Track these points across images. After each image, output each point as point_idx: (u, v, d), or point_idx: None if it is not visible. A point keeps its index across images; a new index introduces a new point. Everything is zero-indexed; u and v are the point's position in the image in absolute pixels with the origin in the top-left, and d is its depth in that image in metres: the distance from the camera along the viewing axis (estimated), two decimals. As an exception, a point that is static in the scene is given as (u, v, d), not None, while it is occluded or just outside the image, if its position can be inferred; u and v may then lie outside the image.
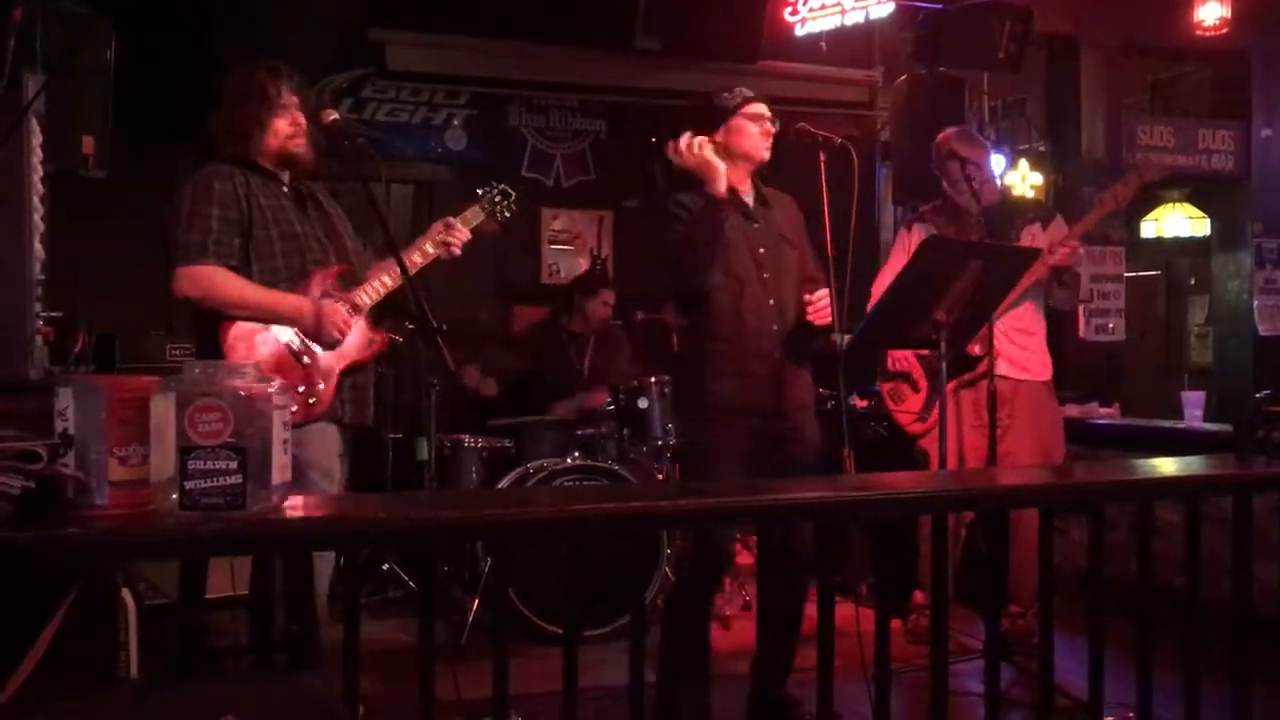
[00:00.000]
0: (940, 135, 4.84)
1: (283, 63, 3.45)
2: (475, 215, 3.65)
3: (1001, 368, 4.53)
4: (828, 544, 2.60)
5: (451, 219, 3.59)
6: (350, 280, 3.47)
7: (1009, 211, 4.81)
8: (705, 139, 3.58)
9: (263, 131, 3.38)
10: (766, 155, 3.66)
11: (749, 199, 3.69)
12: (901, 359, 4.86)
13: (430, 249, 3.51)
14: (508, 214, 3.79)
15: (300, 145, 3.43)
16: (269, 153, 3.41)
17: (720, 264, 3.53)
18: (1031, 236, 4.63)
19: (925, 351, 4.72)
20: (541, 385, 5.81)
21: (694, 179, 3.59)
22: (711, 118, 3.65)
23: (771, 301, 3.60)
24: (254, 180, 3.36)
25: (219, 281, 3.24)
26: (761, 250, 3.62)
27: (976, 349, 4.44)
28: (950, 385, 4.70)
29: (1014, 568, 4.33)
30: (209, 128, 3.44)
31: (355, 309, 3.40)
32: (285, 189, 3.43)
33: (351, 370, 3.41)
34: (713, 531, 3.45)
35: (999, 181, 4.91)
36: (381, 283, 3.45)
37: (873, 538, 4.64)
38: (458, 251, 3.55)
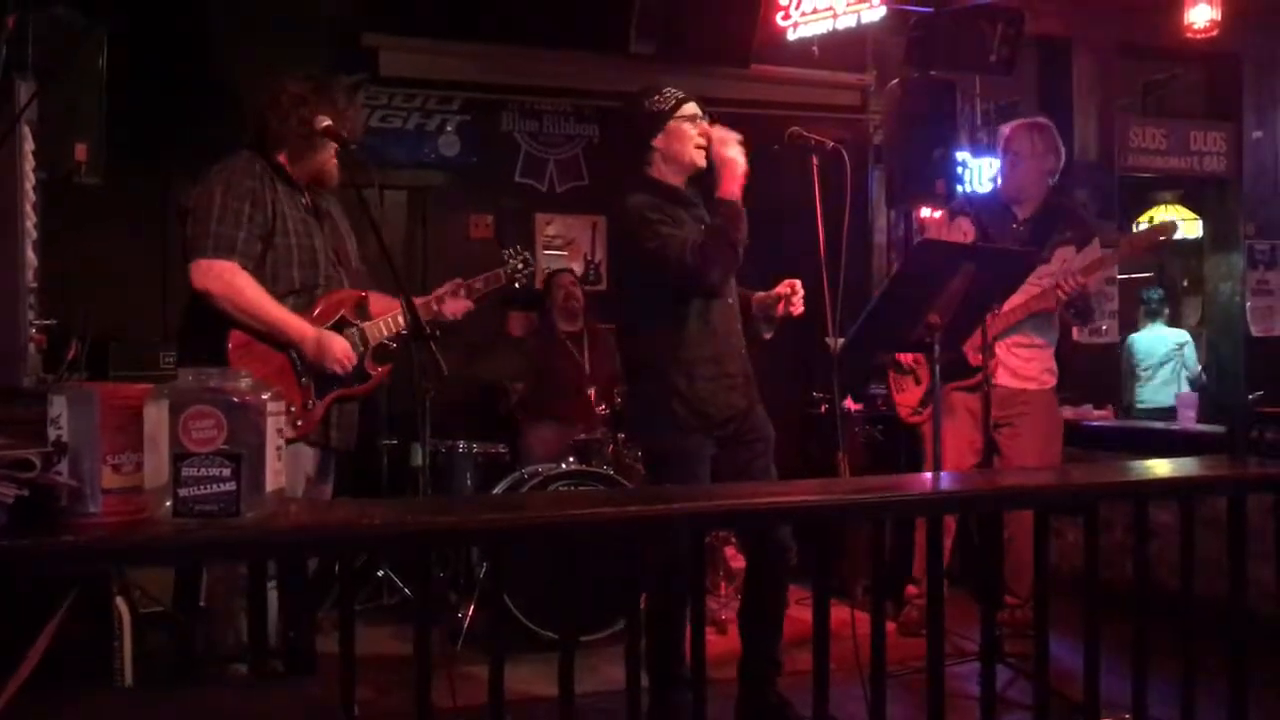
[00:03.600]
0: (1009, 128, 4.88)
1: (351, 81, 3.47)
2: (496, 279, 3.70)
3: (1002, 377, 4.57)
4: (823, 547, 2.60)
5: (462, 282, 3.63)
6: (365, 309, 3.47)
7: (1050, 223, 4.74)
8: (734, 135, 3.57)
9: (314, 153, 3.38)
10: (703, 161, 3.60)
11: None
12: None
13: (434, 305, 3.55)
14: (525, 281, 3.89)
15: (335, 166, 3.45)
16: (304, 168, 3.41)
17: None
18: (1063, 260, 4.62)
19: None
20: (544, 388, 5.82)
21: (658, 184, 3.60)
22: (647, 123, 3.59)
23: (730, 301, 3.66)
24: (279, 185, 3.35)
25: (241, 284, 3.22)
26: None
27: (980, 358, 4.46)
28: (950, 386, 4.76)
29: (1011, 560, 4.35)
30: (255, 118, 3.40)
31: (364, 341, 3.41)
32: (305, 201, 3.42)
33: (345, 398, 3.41)
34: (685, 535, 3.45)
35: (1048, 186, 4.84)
36: (395, 321, 3.45)
37: (868, 540, 4.64)
38: (453, 317, 3.61)
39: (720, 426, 3.58)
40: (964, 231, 4.78)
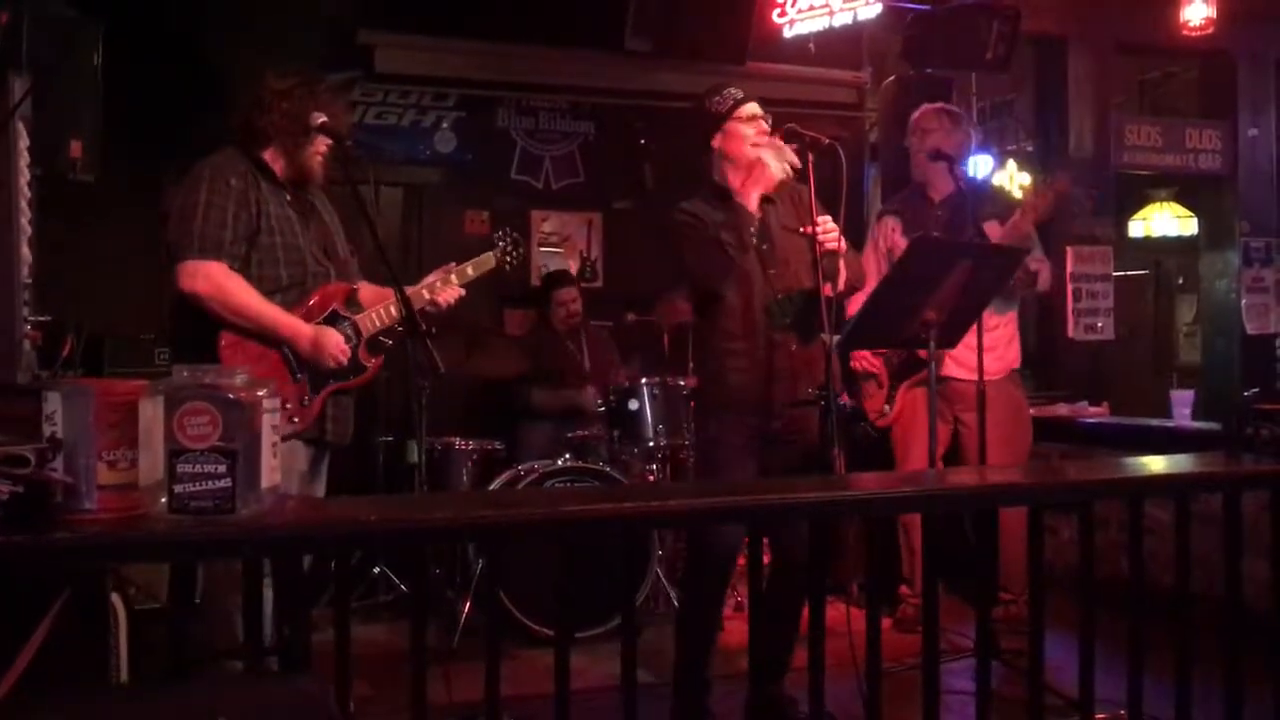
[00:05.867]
0: (918, 111, 4.88)
1: (334, 80, 3.43)
2: (486, 262, 3.67)
3: (949, 368, 4.54)
4: (819, 543, 2.60)
5: (452, 266, 3.58)
6: (355, 301, 3.45)
7: (970, 202, 4.63)
8: (778, 143, 3.58)
9: (299, 151, 3.35)
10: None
11: (752, 201, 3.68)
12: (864, 358, 4.88)
13: (425, 294, 3.49)
14: (517, 262, 3.84)
15: (321, 163, 3.42)
16: (289, 166, 3.38)
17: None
18: (988, 235, 4.59)
19: (886, 351, 4.77)
20: (543, 386, 5.81)
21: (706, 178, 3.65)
22: (707, 125, 3.66)
23: (779, 296, 3.63)
24: (264, 183, 3.32)
25: (230, 284, 3.20)
26: (765, 248, 3.64)
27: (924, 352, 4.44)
28: (905, 384, 4.76)
29: (1003, 555, 4.34)
30: (238, 113, 3.37)
31: (357, 333, 3.39)
32: (289, 198, 3.40)
33: (340, 391, 3.40)
34: (710, 531, 3.45)
35: (965, 169, 4.85)
36: (387, 311, 3.42)
37: (864, 538, 4.65)
38: (447, 305, 3.54)
39: (751, 407, 3.57)
40: (891, 228, 4.80)
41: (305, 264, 3.35)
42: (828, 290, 3.56)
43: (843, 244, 3.56)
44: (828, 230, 3.52)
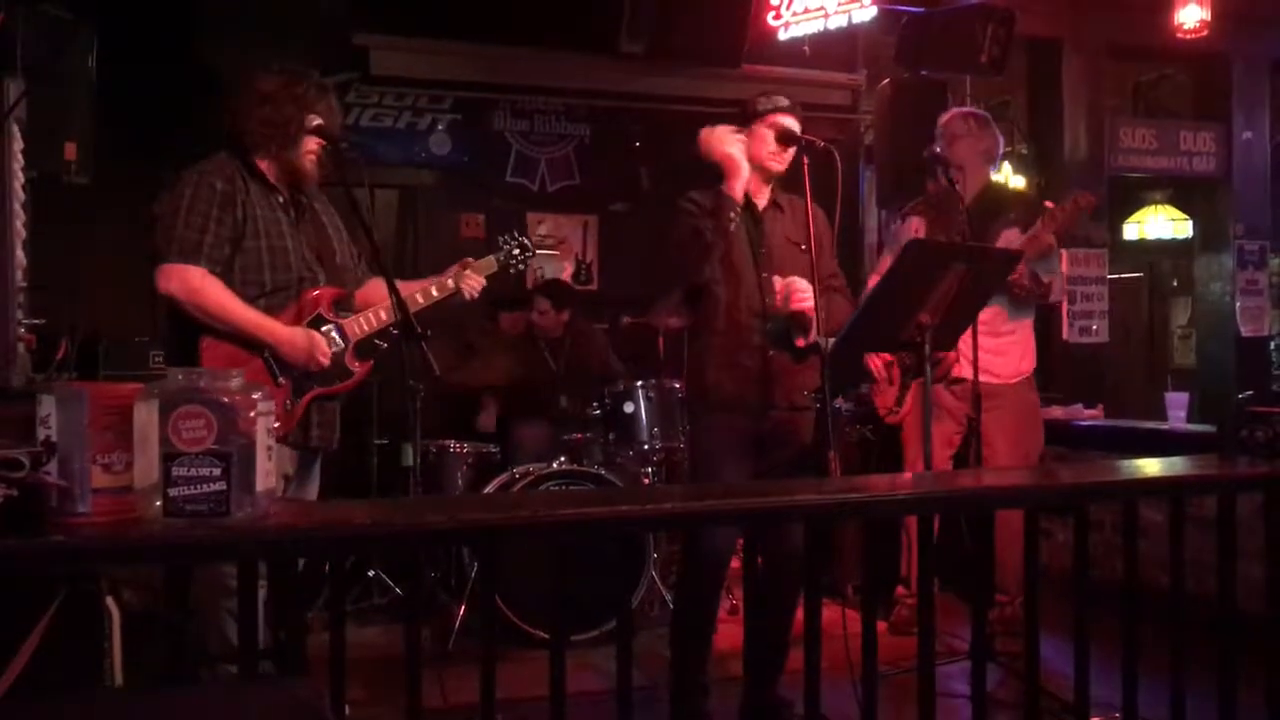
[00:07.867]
0: (945, 115, 4.87)
1: (323, 78, 3.41)
2: (489, 265, 3.65)
3: (965, 370, 4.54)
4: (813, 546, 2.60)
5: (470, 261, 3.59)
6: (346, 305, 3.41)
7: (994, 208, 4.71)
8: (736, 133, 3.65)
9: (288, 152, 3.30)
10: (778, 167, 3.69)
11: (761, 200, 3.73)
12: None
13: (450, 283, 3.49)
14: (522, 267, 3.84)
15: (313, 162, 3.36)
16: (281, 168, 3.33)
17: (720, 260, 3.59)
18: (1007, 242, 4.59)
19: None
20: (521, 390, 5.81)
21: (710, 174, 3.66)
22: (739, 119, 3.73)
23: (769, 300, 3.64)
24: (253, 186, 3.27)
25: (207, 287, 3.14)
26: (764, 250, 3.66)
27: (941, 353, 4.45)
28: (917, 383, 4.76)
29: (999, 557, 4.35)
30: (228, 117, 3.33)
31: (346, 337, 3.35)
32: (281, 200, 3.35)
33: (325, 396, 3.33)
34: (705, 534, 3.45)
35: (990, 173, 4.85)
36: (378, 316, 3.36)
37: (860, 540, 4.65)
38: (471, 297, 3.54)
39: (733, 406, 3.58)
40: (915, 229, 4.80)
41: (292, 268, 3.28)
42: (800, 342, 3.63)
43: (824, 301, 3.58)
44: (799, 291, 3.56)
